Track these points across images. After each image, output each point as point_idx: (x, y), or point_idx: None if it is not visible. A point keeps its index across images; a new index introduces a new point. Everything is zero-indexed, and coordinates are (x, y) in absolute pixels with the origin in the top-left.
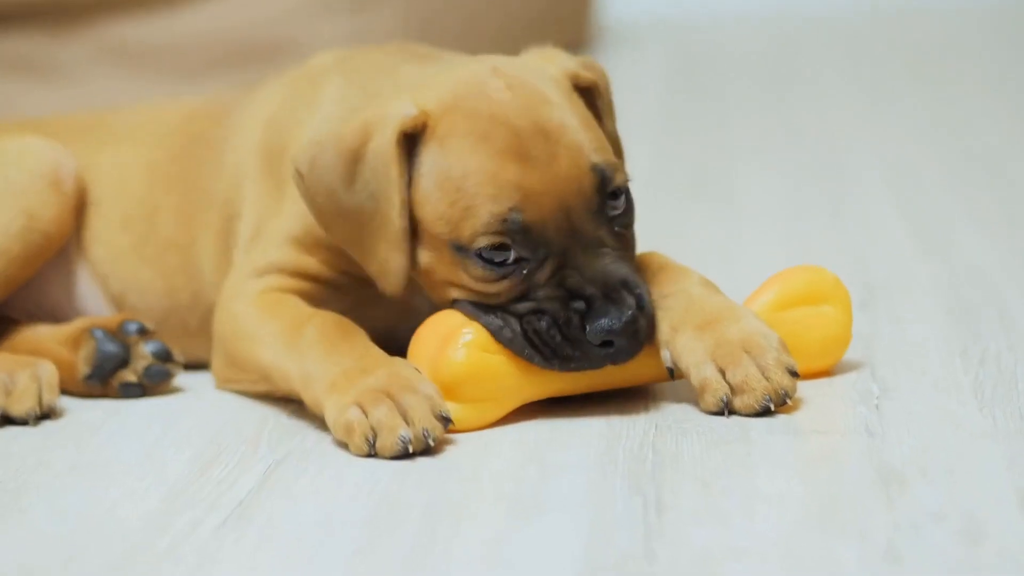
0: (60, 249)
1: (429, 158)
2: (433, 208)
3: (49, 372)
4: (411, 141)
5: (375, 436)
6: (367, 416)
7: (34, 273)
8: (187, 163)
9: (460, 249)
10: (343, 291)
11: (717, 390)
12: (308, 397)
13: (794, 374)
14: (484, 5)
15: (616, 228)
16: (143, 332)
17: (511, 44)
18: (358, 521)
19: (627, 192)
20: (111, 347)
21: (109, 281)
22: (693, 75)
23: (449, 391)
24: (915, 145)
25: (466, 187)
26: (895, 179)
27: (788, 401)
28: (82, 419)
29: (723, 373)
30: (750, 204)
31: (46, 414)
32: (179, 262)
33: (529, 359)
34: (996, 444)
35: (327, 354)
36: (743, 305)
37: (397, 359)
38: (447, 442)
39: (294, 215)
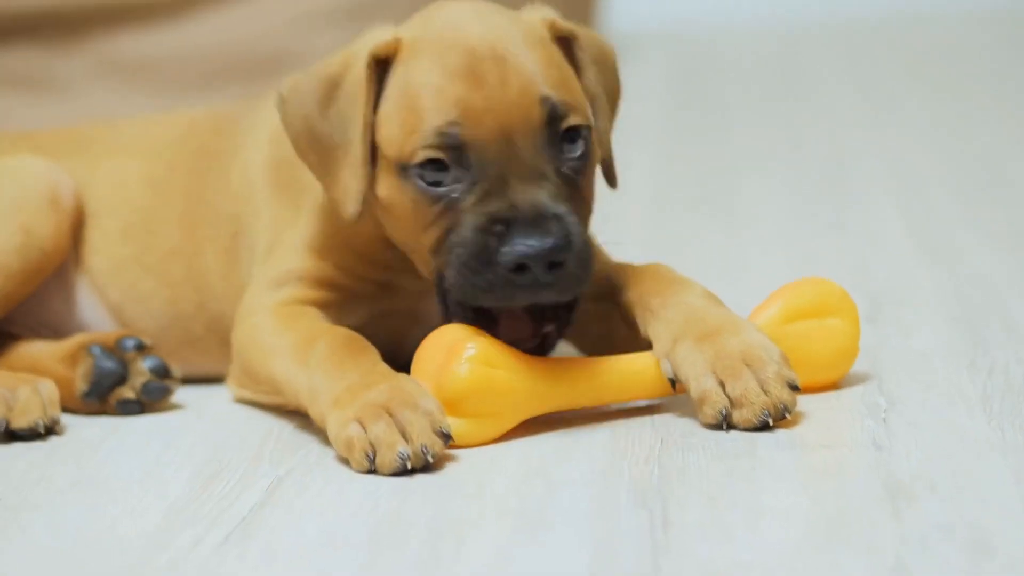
0: (59, 266)
1: (393, 81)
2: (388, 130)
3: (49, 388)
4: (383, 67)
5: (374, 452)
6: (366, 432)
7: (33, 290)
8: (189, 175)
9: (403, 170)
10: (359, 298)
11: (716, 402)
12: (314, 412)
13: (795, 388)
14: None
15: (564, 170)
16: (141, 348)
17: None
18: (361, 538)
19: (586, 138)
20: (109, 364)
21: (108, 291)
22: (695, 85)
23: (452, 406)
24: (919, 153)
25: (415, 105)
26: (899, 188)
27: (787, 416)
28: (82, 435)
29: (723, 386)
30: (753, 215)
31: (51, 427)
32: (183, 272)
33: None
34: (1004, 457)
35: (334, 369)
36: (748, 318)
37: (402, 375)
38: (448, 458)
39: (311, 223)
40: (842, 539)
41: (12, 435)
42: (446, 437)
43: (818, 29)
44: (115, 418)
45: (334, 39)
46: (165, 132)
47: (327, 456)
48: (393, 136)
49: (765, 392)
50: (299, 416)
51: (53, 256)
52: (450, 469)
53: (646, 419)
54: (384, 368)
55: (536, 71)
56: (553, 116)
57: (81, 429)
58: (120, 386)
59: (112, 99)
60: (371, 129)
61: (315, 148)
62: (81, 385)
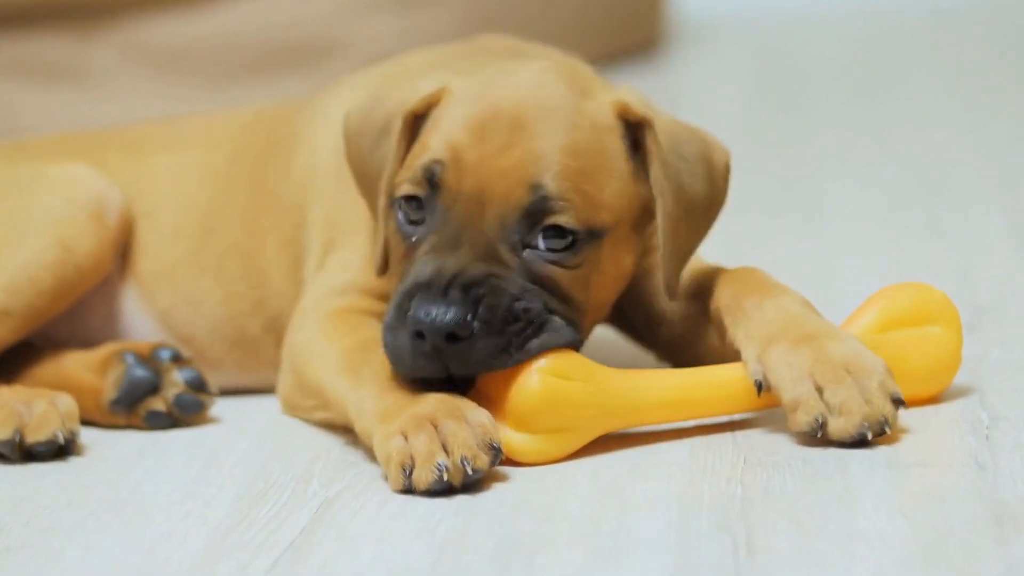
0: (96, 284)
1: (424, 126)
2: (403, 172)
3: (68, 402)
4: (422, 119)
5: (412, 466)
6: (408, 444)
7: (66, 307)
8: (251, 164)
9: (392, 204)
10: None
11: (812, 408)
12: (359, 427)
13: (899, 402)
14: (544, 4)
15: (534, 261)
16: (177, 359)
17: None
18: (421, 565)
19: (580, 240)
20: (141, 372)
21: (158, 296)
22: (776, 77)
23: (522, 421)
24: (1023, 150)
25: (422, 143)
26: (1001, 189)
27: (887, 431)
28: (116, 453)
29: (820, 392)
30: (841, 219)
31: (70, 441)
32: (241, 268)
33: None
34: None
35: (387, 382)
36: (841, 327)
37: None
38: (500, 477)
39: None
40: (943, 567)
41: (29, 454)
42: (495, 452)
43: (908, 14)
44: (152, 435)
45: (381, 26)
46: (228, 123)
47: (381, 475)
48: (401, 174)
49: (867, 403)
50: (350, 432)
51: (91, 274)
52: (517, 489)
53: (727, 436)
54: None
55: (548, 154)
56: (537, 207)
57: (115, 447)
58: (151, 396)
59: (142, 90)
60: (394, 174)
61: (364, 185)
62: (110, 392)
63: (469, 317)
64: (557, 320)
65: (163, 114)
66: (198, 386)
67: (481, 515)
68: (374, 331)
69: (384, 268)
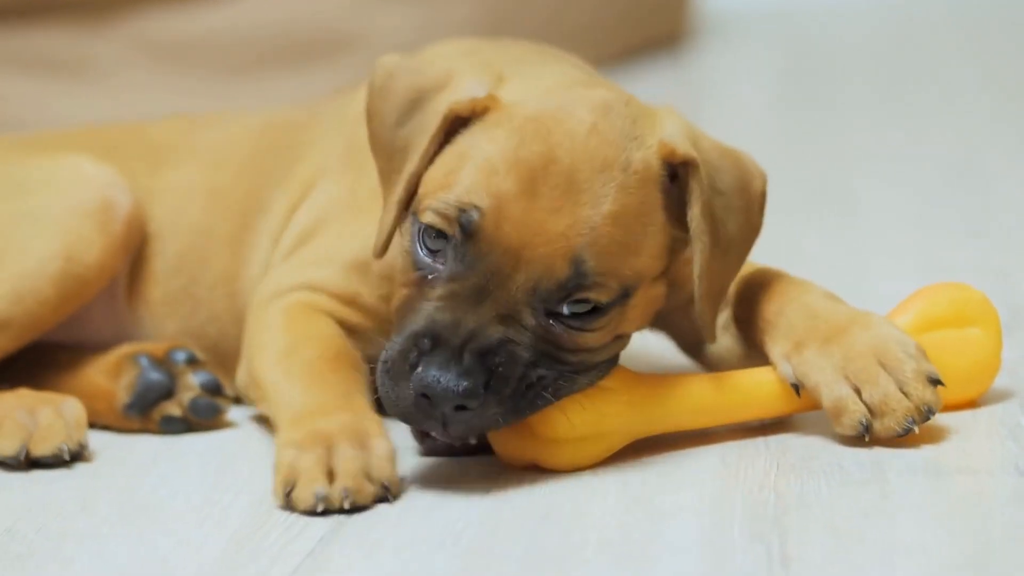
0: (101, 291)
1: (465, 138)
2: (431, 173)
3: (75, 409)
4: (462, 121)
5: (294, 485)
6: (297, 460)
7: (68, 316)
8: (251, 182)
9: (413, 217)
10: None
11: (855, 412)
12: (276, 424)
13: (935, 382)
14: None
15: (557, 331)
16: (193, 362)
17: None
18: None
19: (607, 313)
20: (156, 375)
21: (166, 323)
22: (804, 70)
23: (551, 427)
24: None
25: (463, 167)
26: None
27: (933, 415)
28: (131, 458)
29: (859, 392)
30: (874, 217)
31: (77, 453)
32: (226, 302)
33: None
34: None
35: (311, 384)
36: None
37: (375, 416)
38: (527, 484)
39: (363, 238)
40: None
41: (35, 464)
42: (384, 489)
43: (941, 7)
44: (166, 439)
45: (400, 20)
46: (238, 134)
47: (404, 481)
48: (429, 180)
49: (906, 395)
50: None
51: (94, 284)
52: (544, 497)
53: (759, 441)
54: (361, 401)
55: (595, 225)
56: (574, 282)
57: (129, 451)
58: (166, 401)
59: (149, 84)
60: (418, 177)
61: (382, 157)
62: (123, 397)
63: (481, 388)
64: (570, 378)
65: (170, 110)
66: (214, 389)
67: (507, 523)
68: (322, 327)
69: (384, 251)
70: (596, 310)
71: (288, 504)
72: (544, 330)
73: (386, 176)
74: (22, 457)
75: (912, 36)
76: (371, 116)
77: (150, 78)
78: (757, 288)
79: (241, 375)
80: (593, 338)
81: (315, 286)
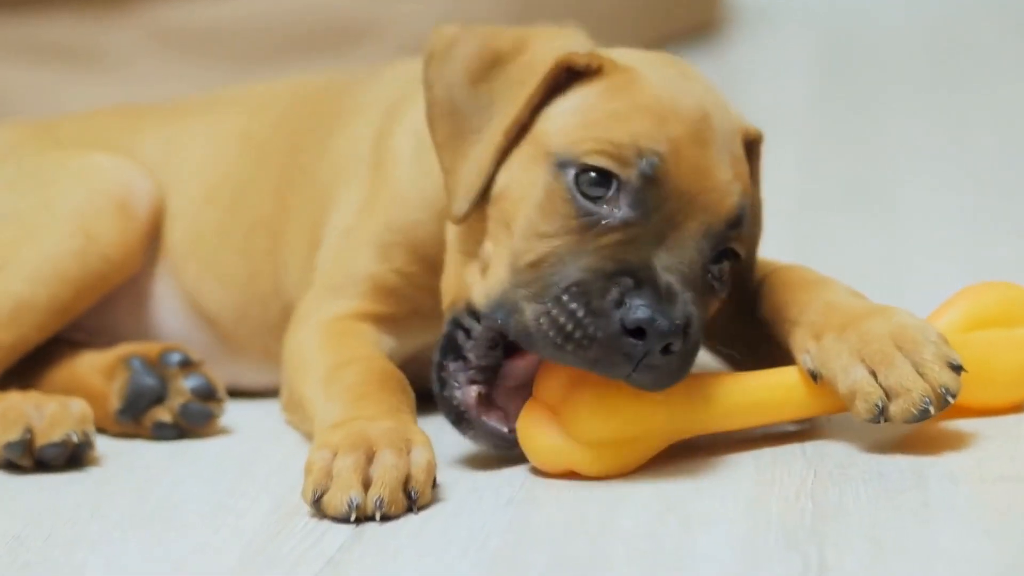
0: (127, 277)
1: (580, 99)
2: (562, 122)
3: (80, 406)
4: (566, 78)
5: (326, 488)
6: (332, 462)
7: (95, 301)
8: (291, 135)
9: (560, 165)
10: (423, 316)
11: (870, 395)
12: (315, 434)
13: (957, 368)
14: None
15: (703, 279)
16: (185, 364)
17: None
18: None
19: (732, 268)
20: (147, 380)
21: (186, 267)
22: (843, 62)
23: (583, 431)
24: None
25: (618, 116)
26: None
27: (951, 400)
28: (143, 462)
29: (875, 375)
30: (915, 216)
31: (85, 443)
32: (267, 245)
33: (539, 347)
34: None
35: (354, 401)
36: None
37: (421, 429)
38: (554, 490)
39: (380, 218)
40: None
41: (41, 462)
42: (411, 501)
43: None
44: (181, 443)
45: (420, 5)
46: (274, 88)
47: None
48: (569, 127)
49: (922, 375)
50: None
51: (118, 267)
52: (572, 504)
53: (796, 446)
54: (407, 416)
55: (744, 175)
56: (734, 224)
57: (142, 455)
58: (157, 406)
59: (162, 73)
60: (518, 128)
61: (448, 122)
62: (115, 402)
63: (683, 330)
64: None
65: None
66: (206, 394)
67: (534, 531)
68: (362, 344)
69: (469, 213)
70: (722, 280)
71: (317, 508)
72: (695, 285)
73: (458, 137)
74: (26, 442)
75: (956, 27)
76: (432, 83)
77: (164, 67)
78: (782, 290)
79: (284, 398)
80: (713, 304)
81: (347, 283)
